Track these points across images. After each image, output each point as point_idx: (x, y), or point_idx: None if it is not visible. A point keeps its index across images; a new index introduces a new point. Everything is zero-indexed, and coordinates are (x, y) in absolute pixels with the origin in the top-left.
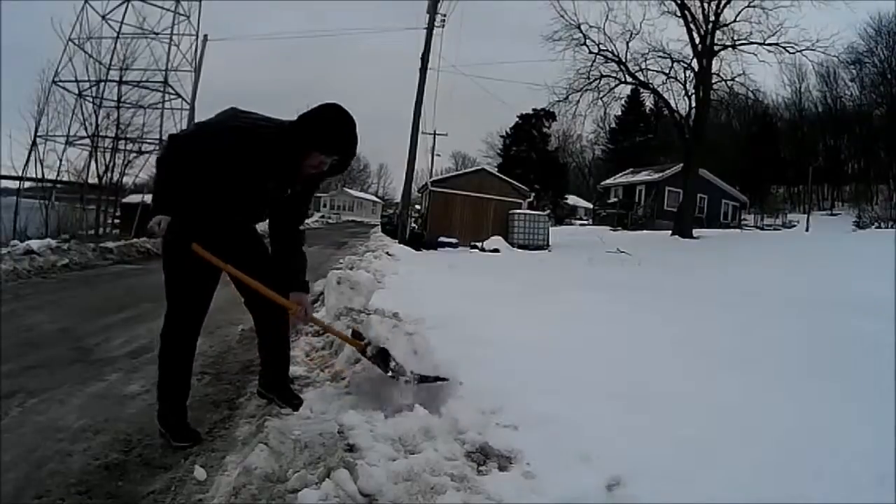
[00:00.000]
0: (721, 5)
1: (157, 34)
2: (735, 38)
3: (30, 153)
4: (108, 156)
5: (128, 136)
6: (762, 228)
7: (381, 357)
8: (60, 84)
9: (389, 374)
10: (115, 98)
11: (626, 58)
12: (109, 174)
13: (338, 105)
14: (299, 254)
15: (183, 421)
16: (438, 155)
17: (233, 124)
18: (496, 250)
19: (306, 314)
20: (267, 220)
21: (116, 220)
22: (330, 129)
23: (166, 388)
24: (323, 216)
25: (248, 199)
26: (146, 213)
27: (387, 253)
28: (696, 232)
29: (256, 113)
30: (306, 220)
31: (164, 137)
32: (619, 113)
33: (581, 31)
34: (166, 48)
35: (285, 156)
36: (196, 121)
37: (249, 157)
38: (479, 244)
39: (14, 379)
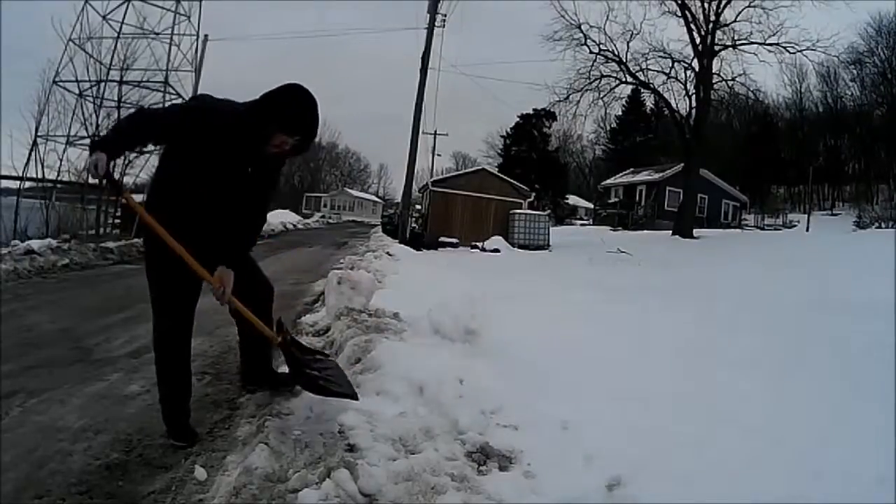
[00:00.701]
0: (721, 5)
1: (157, 34)
2: (735, 38)
3: (30, 153)
4: None
5: None
6: (762, 228)
7: (294, 358)
8: (61, 84)
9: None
10: (116, 98)
11: (626, 58)
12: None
13: (300, 85)
14: (243, 235)
15: (183, 421)
16: (439, 155)
17: (199, 105)
18: (496, 250)
19: (224, 293)
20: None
21: (117, 221)
22: (293, 109)
23: (166, 391)
24: (323, 216)
25: (209, 174)
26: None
27: (387, 253)
28: (696, 232)
29: (227, 99)
30: (308, 221)
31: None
32: (620, 113)
33: (581, 31)
34: (166, 48)
35: (247, 134)
36: None
37: (207, 135)
38: (479, 244)
39: (14, 379)
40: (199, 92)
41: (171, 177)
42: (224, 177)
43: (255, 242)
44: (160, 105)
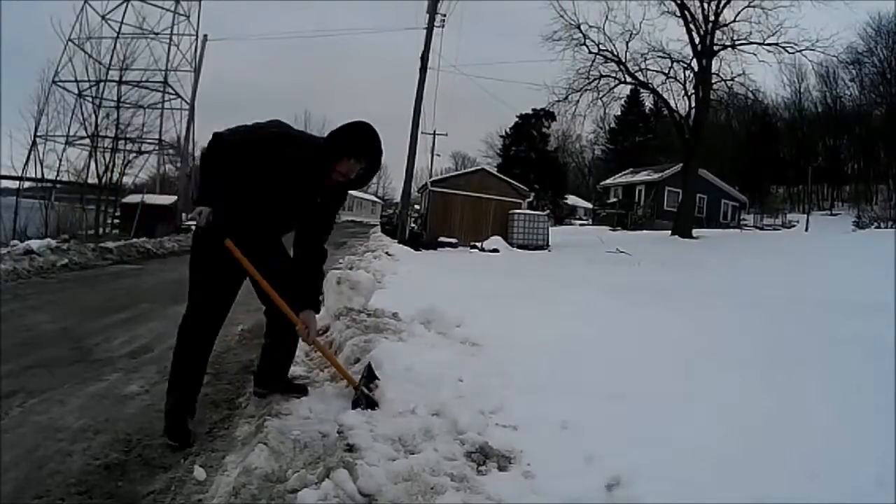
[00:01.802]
0: (721, 5)
1: (156, 34)
2: (735, 38)
3: (29, 153)
4: (107, 156)
5: (127, 136)
6: (762, 228)
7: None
8: (60, 84)
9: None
10: (115, 98)
11: (625, 58)
12: (109, 174)
13: (367, 122)
14: (318, 271)
15: (182, 420)
16: (438, 155)
17: (274, 130)
18: (496, 250)
19: (309, 335)
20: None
21: (116, 220)
22: (359, 136)
23: (175, 382)
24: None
25: (281, 202)
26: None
27: (386, 253)
28: (695, 232)
29: (302, 131)
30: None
31: (164, 138)
32: (619, 113)
33: (581, 31)
34: (166, 48)
35: (317, 163)
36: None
37: (285, 162)
38: (478, 244)
39: (14, 379)
40: (198, 92)
41: (242, 201)
42: (294, 205)
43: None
44: (159, 105)
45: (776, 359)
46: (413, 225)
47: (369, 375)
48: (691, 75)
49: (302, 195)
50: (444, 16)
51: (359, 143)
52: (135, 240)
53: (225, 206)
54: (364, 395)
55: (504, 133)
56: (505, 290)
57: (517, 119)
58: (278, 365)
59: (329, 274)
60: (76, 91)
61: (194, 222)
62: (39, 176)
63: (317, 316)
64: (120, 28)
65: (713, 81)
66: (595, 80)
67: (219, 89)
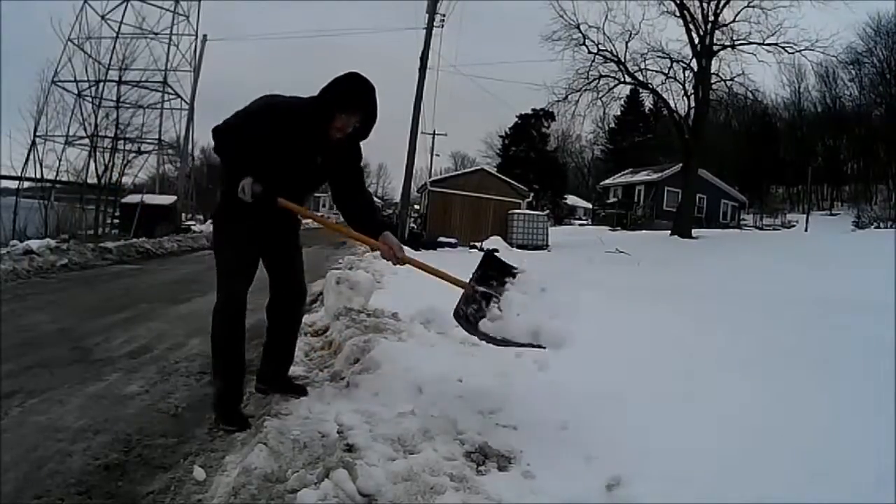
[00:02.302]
0: (720, 5)
1: (156, 34)
2: (734, 38)
3: (29, 153)
4: (107, 156)
5: (127, 136)
6: (761, 228)
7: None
8: (60, 84)
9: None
10: (115, 98)
11: (625, 58)
12: (108, 174)
13: (356, 72)
14: (369, 207)
15: (235, 406)
16: (437, 155)
17: (267, 102)
18: (495, 250)
19: (395, 254)
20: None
21: (115, 220)
22: (349, 89)
23: (220, 370)
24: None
25: (288, 170)
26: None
27: None
28: (695, 232)
29: (292, 96)
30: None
31: (163, 138)
32: (619, 113)
33: (580, 31)
34: (165, 48)
35: (314, 123)
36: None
37: (287, 131)
38: (478, 244)
39: (14, 379)
40: (197, 92)
41: (261, 175)
42: (301, 171)
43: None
44: (159, 105)
45: (776, 358)
46: (413, 225)
47: (500, 269)
48: (691, 75)
49: (305, 159)
50: (444, 16)
51: (348, 95)
52: (134, 240)
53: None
54: (481, 294)
55: (504, 133)
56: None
57: (517, 119)
58: (279, 364)
59: (328, 274)
60: (76, 91)
61: (242, 196)
62: (39, 176)
63: (315, 316)
64: (119, 28)
65: (713, 81)
66: (595, 80)
67: (219, 89)
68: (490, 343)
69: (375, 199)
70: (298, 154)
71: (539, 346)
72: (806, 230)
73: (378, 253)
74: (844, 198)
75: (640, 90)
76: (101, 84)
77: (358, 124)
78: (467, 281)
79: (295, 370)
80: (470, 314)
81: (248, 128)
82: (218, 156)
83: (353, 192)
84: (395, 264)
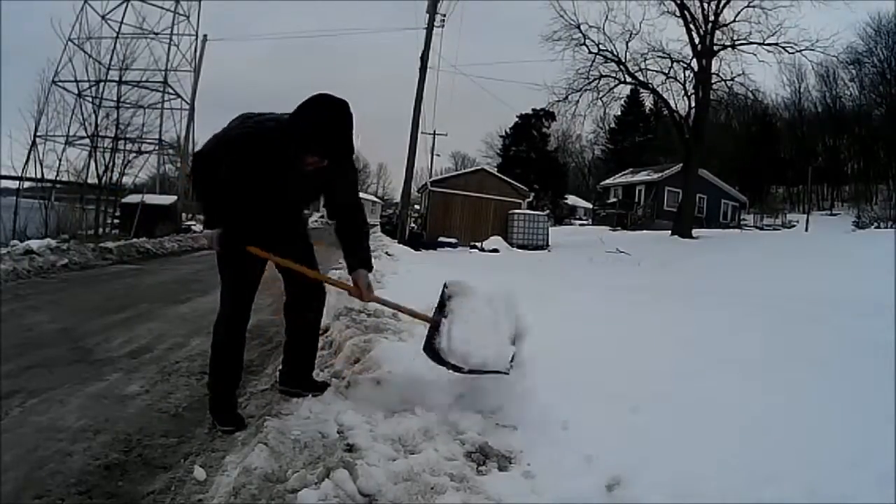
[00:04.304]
0: (721, 5)
1: (156, 34)
2: (734, 38)
3: (29, 153)
4: (107, 156)
5: (127, 136)
6: (761, 228)
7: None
8: (60, 84)
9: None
10: (115, 98)
11: (625, 58)
12: (109, 174)
13: (326, 99)
14: (358, 232)
15: (231, 408)
16: (438, 155)
17: (239, 131)
18: (495, 250)
19: (362, 294)
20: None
21: (116, 221)
22: (315, 130)
23: (216, 377)
24: (322, 216)
25: (275, 192)
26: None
27: (386, 253)
28: (695, 232)
29: (265, 114)
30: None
31: (164, 138)
32: (619, 113)
33: (581, 31)
34: (166, 48)
35: (287, 151)
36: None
37: (263, 159)
38: (478, 244)
39: (14, 379)
40: (198, 92)
41: (244, 199)
42: (280, 190)
43: (366, 231)
44: (159, 105)
45: (777, 358)
46: (413, 225)
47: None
48: (691, 75)
49: (287, 180)
50: (444, 16)
51: (310, 137)
52: (135, 240)
53: (231, 217)
54: (437, 331)
55: (504, 133)
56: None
57: (517, 119)
58: (303, 365)
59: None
60: (76, 91)
61: (209, 248)
62: (39, 176)
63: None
64: (120, 28)
65: (713, 81)
66: (595, 80)
67: (219, 89)
68: (458, 372)
69: (375, 198)
70: (279, 178)
71: (504, 373)
72: (806, 230)
73: (377, 253)
74: (845, 198)
75: (641, 90)
76: (102, 84)
77: (329, 159)
78: (431, 315)
79: None
80: (437, 346)
81: (227, 158)
82: (193, 184)
83: (342, 209)
84: (362, 300)
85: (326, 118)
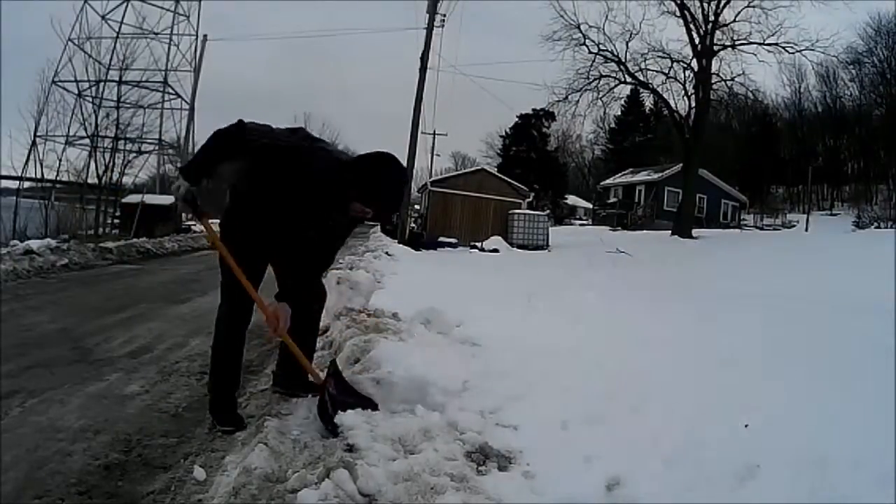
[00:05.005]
0: (721, 5)
1: (156, 34)
2: (734, 38)
3: (29, 153)
4: (107, 156)
5: (127, 136)
6: (762, 228)
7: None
8: (60, 84)
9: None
10: (115, 98)
11: (625, 58)
12: (109, 174)
13: (390, 158)
14: (308, 274)
15: (230, 408)
16: (438, 155)
17: (303, 143)
18: (495, 250)
19: (276, 328)
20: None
21: (116, 220)
22: (375, 183)
23: (217, 378)
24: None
25: (296, 213)
26: (145, 213)
27: (386, 253)
28: (695, 232)
29: (323, 140)
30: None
31: (164, 138)
32: (619, 113)
33: (580, 31)
34: (166, 48)
35: (332, 189)
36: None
37: (297, 177)
38: (478, 244)
39: (14, 379)
40: (198, 92)
41: (252, 205)
42: (305, 221)
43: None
44: (159, 105)
45: (777, 357)
46: (413, 225)
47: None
48: (691, 75)
49: (316, 213)
50: (444, 16)
51: (371, 190)
52: (135, 240)
53: (235, 220)
54: (330, 396)
55: (504, 133)
56: (505, 290)
57: (517, 119)
58: (298, 367)
59: (329, 274)
60: (76, 91)
61: (174, 193)
62: (39, 176)
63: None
64: (120, 28)
65: (713, 81)
66: (595, 80)
67: (219, 89)
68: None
69: None
70: (311, 209)
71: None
72: (806, 230)
73: (377, 253)
74: (845, 198)
75: (641, 90)
76: (102, 84)
77: (376, 214)
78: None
79: None
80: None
81: (278, 155)
82: (214, 137)
83: (302, 287)
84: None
85: (388, 174)
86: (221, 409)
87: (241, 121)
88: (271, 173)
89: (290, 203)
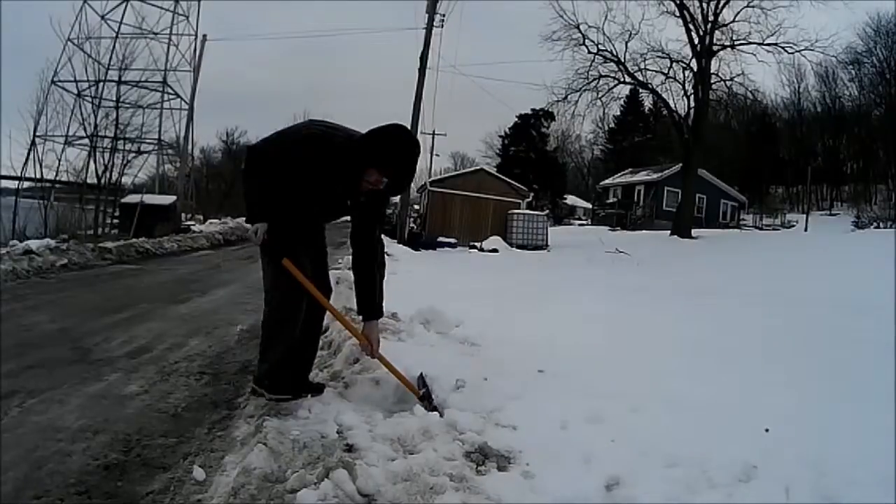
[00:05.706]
0: (720, 5)
1: (156, 34)
2: (734, 38)
3: (29, 153)
4: (106, 156)
5: (126, 136)
6: (761, 228)
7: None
8: (59, 84)
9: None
10: (114, 98)
11: (624, 58)
12: (108, 174)
13: (401, 127)
14: (372, 271)
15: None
16: (437, 155)
17: (307, 132)
18: (495, 250)
19: (372, 350)
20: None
21: (115, 220)
22: (386, 148)
23: (273, 351)
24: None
25: (321, 200)
26: (145, 213)
27: (385, 253)
28: (694, 232)
29: (330, 121)
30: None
31: (163, 138)
32: (618, 113)
33: (580, 31)
34: (165, 48)
35: (348, 165)
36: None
37: (319, 162)
38: (477, 244)
39: (14, 379)
40: (197, 92)
41: (289, 199)
42: (321, 201)
43: (382, 266)
44: (158, 105)
45: (776, 357)
46: (412, 225)
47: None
48: (691, 75)
49: (333, 195)
50: (444, 16)
51: (384, 155)
52: (134, 240)
53: (275, 216)
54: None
55: (503, 133)
56: (504, 290)
57: (517, 119)
58: (299, 364)
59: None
60: (75, 91)
61: (252, 238)
62: (39, 176)
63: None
64: (119, 28)
65: (712, 81)
66: (594, 80)
67: (218, 89)
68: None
69: None
70: (327, 189)
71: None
72: (805, 230)
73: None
74: (844, 198)
75: (640, 90)
76: (101, 84)
77: (391, 182)
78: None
79: None
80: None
81: (285, 154)
82: (244, 176)
83: (367, 238)
84: (369, 356)
85: (404, 145)
86: (282, 377)
87: (250, 148)
88: (293, 168)
89: (319, 186)
